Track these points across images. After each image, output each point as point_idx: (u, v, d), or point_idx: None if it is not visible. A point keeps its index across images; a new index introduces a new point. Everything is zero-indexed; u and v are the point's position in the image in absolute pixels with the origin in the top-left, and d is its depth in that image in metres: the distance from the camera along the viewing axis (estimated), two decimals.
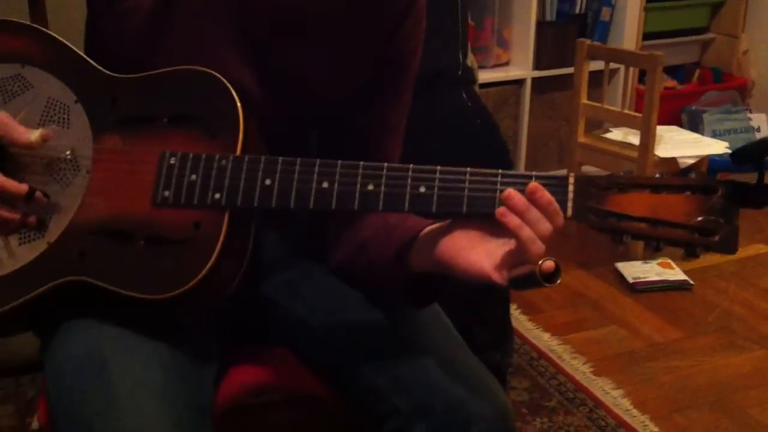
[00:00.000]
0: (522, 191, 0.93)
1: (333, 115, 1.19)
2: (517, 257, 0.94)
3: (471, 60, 2.22)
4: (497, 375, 2.17)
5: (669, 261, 2.89)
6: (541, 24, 3.32)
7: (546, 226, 0.92)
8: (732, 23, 3.85)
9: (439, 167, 0.97)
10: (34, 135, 1.04)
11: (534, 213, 0.92)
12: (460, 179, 0.97)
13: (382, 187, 0.98)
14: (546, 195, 0.92)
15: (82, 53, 1.10)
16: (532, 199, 0.92)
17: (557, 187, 0.94)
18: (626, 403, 2.19)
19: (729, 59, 3.88)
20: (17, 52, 1.11)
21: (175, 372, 1.03)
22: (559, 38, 3.37)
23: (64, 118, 1.08)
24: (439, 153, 2.07)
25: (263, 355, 1.22)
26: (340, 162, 0.99)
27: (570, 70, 3.14)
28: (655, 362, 2.39)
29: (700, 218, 0.90)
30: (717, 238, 0.90)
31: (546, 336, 2.50)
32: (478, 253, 0.96)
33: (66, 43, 1.11)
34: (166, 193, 1.02)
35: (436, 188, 0.97)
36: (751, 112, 3.62)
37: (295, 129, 1.19)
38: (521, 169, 3.44)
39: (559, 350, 2.43)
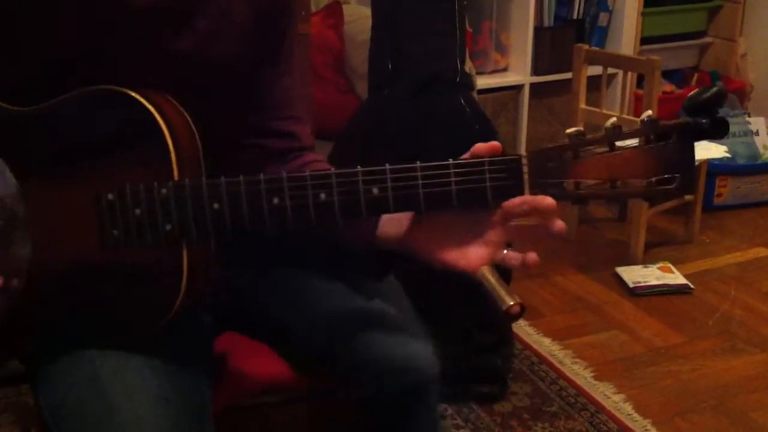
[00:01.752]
0: (480, 179, 0.92)
1: (222, 66, 1.12)
2: (489, 250, 0.97)
3: (469, 66, 2.22)
4: (497, 379, 2.18)
5: (669, 265, 2.88)
6: (538, 29, 3.33)
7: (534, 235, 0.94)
8: (729, 27, 3.85)
9: (388, 165, 0.94)
10: None
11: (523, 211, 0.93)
12: (412, 176, 0.93)
13: (335, 196, 0.93)
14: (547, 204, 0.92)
15: None
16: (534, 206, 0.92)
17: (512, 171, 0.92)
18: (628, 407, 2.18)
19: (727, 63, 3.88)
20: None
21: (169, 376, 1.03)
22: (557, 43, 3.37)
23: None
24: (437, 158, 2.08)
25: (260, 355, 1.23)
26: (286, 176, 0.94)
27: (568, 75, 3.14)
28: (656, 366, 2.38)
29: (656, 168, 0.90)
30: (675, 183, 0.90)
31: (546, 341, 2.50)
32: (448, 246, 0.98)
33: None
34: (115, 233, 0.96)
35: (389, 188, 0.93)
36: (749, 116, 3.62)
37: (182, 86, 1.08)
38: None
39: (560, 355, 2.42)
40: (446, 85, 2.11)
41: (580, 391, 2.25)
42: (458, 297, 2.06)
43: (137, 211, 0.95)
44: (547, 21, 3.37)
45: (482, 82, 3.08)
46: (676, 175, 0.90)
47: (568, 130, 0.93)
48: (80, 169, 0.98)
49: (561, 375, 2.33)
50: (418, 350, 1.17)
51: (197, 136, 1.00)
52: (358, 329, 1.16)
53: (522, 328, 2.55)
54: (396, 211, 0.95)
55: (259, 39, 1.13)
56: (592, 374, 2.33)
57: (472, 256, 0.97)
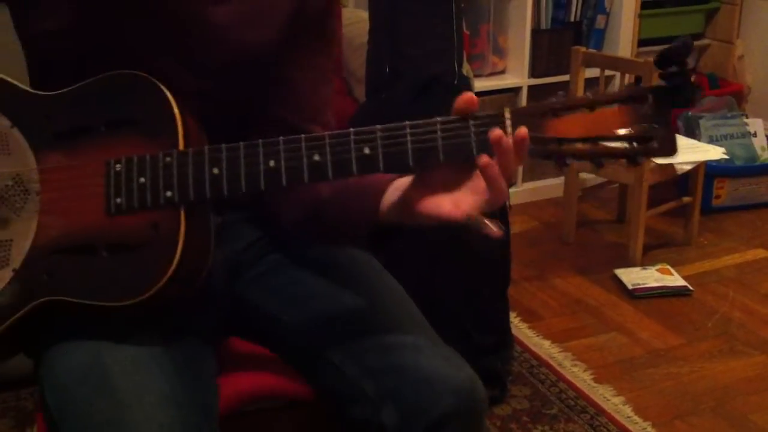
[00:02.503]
0: (465, 134, 0.96)
1: (253, 62, 1.18)
2: (476, 198, 0.98)
3: (467, 69, 2.22)
4: (497, 382, 2.18)
5: (668, 267, 2.89)
6: (536, 32, 3.33)
7: (512, 164, 0.96)
8: (726, 29, 3.86)
9: (378, 126, 0.98)
10: None
11: (511, 156, 0.95)
12: (401, 134, 0.98)
13: (328, 156, 0.99)
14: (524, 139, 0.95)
15: (6, 76, 1.09)
16: (517, 143, 0.95)
17: (495, 124, 0.96)
18: (627, 409, 2.18)
19: (724, 65, 3.89)
20: None
21: (177, 375, 1.03)
22: (554, 46, 3.37)
23: (3, 145, 1.07)
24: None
25: (257, 360, 1.23)
26: (281, 138, 1.00)
27: (566, 77, 3.15)
28: (655, 369, 2.38)
29: (635, 127, 0.94)
30: (655, 144, 0.94)
31: (546, 343, 2.50)
32: (438, 200, 1.00)
33: None
34: (119, 200, 1.03)
35: (379, 147, 0.98)
36: (747, 117, 3.63)
37: (217, 81, 1.17)
38: (519, 176, 3.45)
39: (560, 357, 2.42)
40: (444, 87, 2.11)
41: (580, 394, 2.25)
42: (457, 299, 2.06)
43: (141, 180, 1.02)
44: (545, 23, 3.37)
45: (480, 84, 3.08)
46: (655, 127, 0.94)
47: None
48: (93, 142, 1.05)
49: (561, 377, 2.33)
50: (465, 371, 1.13)
51: (203, 129, 1.07)
52: (391, 354, 1.13)
53: (521, 330, 2.55)
54: (386, 169, 0.99)
55: (294, 32, 1.19)
56: (591, 377, 2.33)
57: (462, 204, 0.99)
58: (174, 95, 1.04)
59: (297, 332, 1.18)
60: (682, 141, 3.17)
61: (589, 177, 3.30)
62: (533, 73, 3.36)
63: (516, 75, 3.36)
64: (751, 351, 2.48)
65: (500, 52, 3.38)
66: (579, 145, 0.95)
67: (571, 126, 0.95)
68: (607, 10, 3.48)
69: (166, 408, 0.99)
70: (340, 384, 1.13)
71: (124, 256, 1.02)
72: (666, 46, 0.95)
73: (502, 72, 3.41)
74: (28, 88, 1.09)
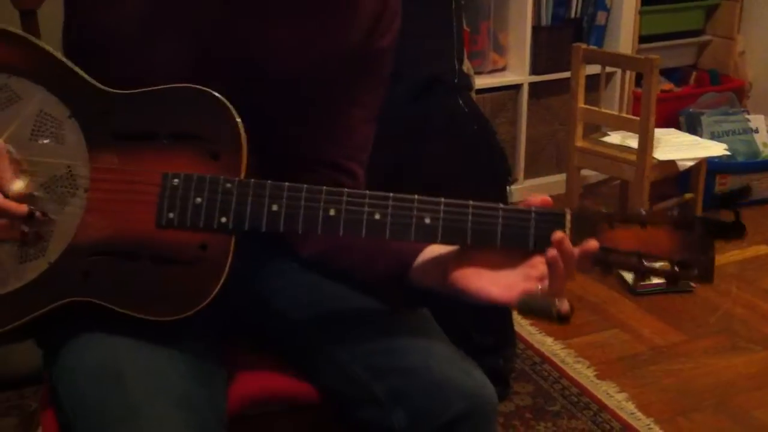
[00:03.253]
0: (526, 226, 1.01)
1: (303, 95, 1.17)
2: (528, 285, 1.01)
3: (467, 66, 2.22)
4: (500, 380, 2.18)
5: None
6: (536, 29, 3.33)
7: (571, 269, 1.01)
8: (727, 25, 3.85)
9: (443, 199, 1.01)
10: (17, 185, 1.02)
11: (573, 258, 1.00)
12: (463, 211, 1.01)
13: (389, 218, 1.00)
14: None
15: (73, 65, 1.07)
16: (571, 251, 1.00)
17: (556, 223, 1.01)
18: (630, 406, 2.18)
19: (725, 61, 3.88)
20: (2, 62, 1.07)
21: (192, 378, 1.03)
22: (555, 43, 3.37)
23: (57, 134, 1.05)
24: (437, 159, 2.08)
25: (264, 363, 1.22)
26: (346, 190, 1.01)
27: (566, 74, 3.14)
28: (657, 365, 2.38)
29: (681, 253, 1.01)
30: (696, 271, 1.02)
31: (549, 340, 2.49)
32: (484, 279, 1.03)
33: (56, 54, 1.08)
34: (171, 215, 1.02)
35: (440, 219, 1.01)
36: (749, 113, 3.62)
37: (265, 107, 1.15)
38: (521, 173, 3.45)
39: (562, 354, 2.42)
40: (445, 86, 2.11)
41: (583, 390, 2.25)
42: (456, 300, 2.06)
43: (198, 200, 1.02)
44: (545, 20, 3.37)
45: (480, 82, 3.08)
46: (699, 258, 1.01)
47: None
48: (152, 150, 1.04)
49: (563, 374, 2.33)
50: (476, 375, 1.13)
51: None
52: (401, 353, 1.13)
53: (524, 327, 2.55)
54: (443, 240, 1.02)
55: (355, 67, 1.18)
56: (594, 373, 2.33)
57: (510, 287, 1.02)
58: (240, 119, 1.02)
59: (305, 331, 1.18)
60: (683, 137, 3.17)
61: (590, 174, 3.30)
62: (534, 71, 3.36)
63: (516, 72, 3.36)
64: (753, 347, 2.48)
65: (501, 49, 3.37)
66: (625, 258, 1.01)
67: (621, 238, 1.01)
68: (608, 6, 3.48)
69: (179, 410, 0.99)
70: (347, 385, 1.13)
71: (167, 270, 1.01)
72: (731, 189, 1.04)
73: (503, 69, 3.40)
74: (89, 79, 1.06)
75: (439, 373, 1.09)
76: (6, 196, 1.02)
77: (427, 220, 1.00)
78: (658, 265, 1.01)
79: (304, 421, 1.23)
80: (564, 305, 1.03)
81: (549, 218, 1.01)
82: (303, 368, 1.20)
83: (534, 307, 1.05)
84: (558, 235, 1.00)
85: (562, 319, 1.05)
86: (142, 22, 1.09)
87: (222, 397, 1.10)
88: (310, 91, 1.17)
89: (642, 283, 2.76)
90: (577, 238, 1.00)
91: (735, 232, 1.02)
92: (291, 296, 1.21)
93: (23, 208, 1.01)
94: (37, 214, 1.03)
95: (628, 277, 2.80)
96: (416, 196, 1.01)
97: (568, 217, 1.01)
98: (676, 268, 1.01)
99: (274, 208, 1.01)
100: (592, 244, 1.00)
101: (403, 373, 1.10)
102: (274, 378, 1.21)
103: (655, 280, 2.75)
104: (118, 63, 1.09)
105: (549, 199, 1.03)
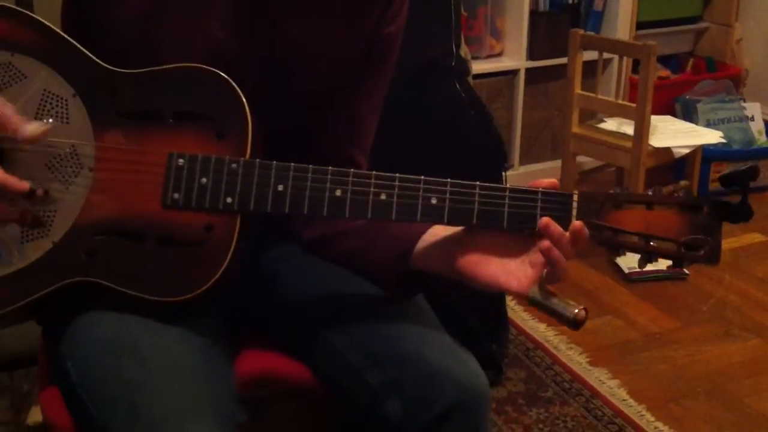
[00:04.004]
0: (532, 207, 1.00)
1: (322, 91, 1.18)
2: (536, 273, 1.01)
3: (464, 51, 2.21)
4: (493, 365, 2.18)
5: None
6: (534, 14, 3.31)
7: (569, 250, 1.00)
8: (725, 12, 3.84)
9: (450, 180, 1.00)
10: (32, 127, 0.99)
11: (565, 240, 0.99)
12: (470, 192, 1.00)
13: (395, 198, 1.00)
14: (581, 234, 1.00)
15: (77, 44, 1.06)
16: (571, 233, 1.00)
17: (562, 204, 1.00)
18: (622, 393, 2.19)
19: (723, 48, 3.87)
20: (5, 39, 1.05)
21: (204, 353, 1.04)
22: (552, 28, 3.35)
23: (62, 113, 1.04)
24: (434, 144, 2.07)
25: (264, 347, 1.22)
26: (352, 171, 1.00)
27: (563, 60, 3.13)
28: (650, 352, 2.39)
29: (688, 235, 1.01)
30: (702, 252, 1.01)
31: (542, 326, 2.50)
32: (493, 267, 1.02)
33: (59, 32, 1.07)
34: (176, 196, 1.01)
35: (447, 200, 1.00)
36: (745, 101, 3.62)
37: (282, 105, 1.17)
38: (516, 159, 3.44)
39: (555, 341, 2.43)
40: (442, 70, 2.10)
41: (575, 377, 2.26)
42: (452, 284, 2.06)
43: (203, 180, 1.01)
44: (543, 6, 3.35)
45: (477, 67, 3.06)
46: (707, 239, 1.00)
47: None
48: (157, 129, 1.03)
49: (556, 360, 2.33)
50: (470, 365, 1.13)
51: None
52: (397, 340, 1.13)
53: (517, 313, 2.55)
54: (449, 222, 1.01)
55: (365, 58, 1.19)
56: (587, 360, 2.34)
57: (521, 276, 1.02)
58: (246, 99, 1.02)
59: (304, 315, 1.18)
60: (679, 124, 3.17)
61: (586, 160, 3.29)
62: (531, 56, 3.34)
63: (513, 58, 3.35)
64: (746, 335, 2.48)
65: (498, 34, 3.36)
66: (632, 239, 1.02)
67: (628, 220, 1.01)
68: None
69: (196, 382, 0.99)
70: (343, 371, 1.13)
71: (171, 251, 1.01)
72: (735, 169, 1.02)
73: (500, 55, 3.39)
74: (93, 57, 1.05)
75: (435, 363, 1.09)
76: (28, 139, 0.99)
77: (434, 201, 1.00)
78: (664, 246, 1.01)
79: (301, 406, 1.23)
80: (581, 312, 1.03)
81: (556, 199, 1.00)
82: (301, 352, 1.20)
83: (549, 307, 1.04)
84: (543, 220, 0.99)
85: (578, 324, 1.04)
86: (148, 16, 1.08)
87: (232, 373, 1.10)
88: (327, 82, 1.17)
89: (643, 267, 2.76)
90: (584, 218, 1.00)
91: (742, 214, 1.01)
92: (292, 280, 1.21)
93: (24, 184, 1.00)
94: (39, 191, 1.02)
95: (623, 264, 2.80)
96: (422, 177, 1.00)
97: (575, 198, 1.00)
98: (683, 250, 1.01)
99: (280, 188, 1.00)
100: (577, 225, 0.99)
101: (398, 361, 1.10)
102: (273, 361, 1.21)
103: (650, 266, 2.76)
104: (124, 50, 1.08)
105: (556, 182, 1.03)
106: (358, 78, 1.20)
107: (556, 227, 0.99)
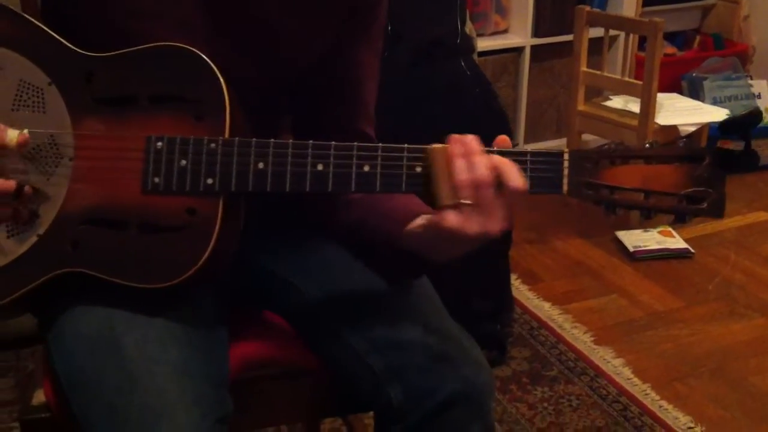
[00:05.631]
0: (521, 169, 0.95)
1: (308, 64, 1.16)
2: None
3: (469, 28, 2.19)
4: (497, 344, 2.19)
5: (669, 229, 2.88)
6: None
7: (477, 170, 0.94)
8: None
9: (433, 145, 0.97)
10: (12, 136, 0.98)
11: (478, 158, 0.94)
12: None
13: (378, 168, 0.97)
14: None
15: (50, 30, 1.03)
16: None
17: (552, 164, 0.96)
18: (627, 371, 2.19)
19: (729, 25, 3.84)
20: None
21: (190, 346, 1.02)
22: (558, 5, 3.33)
23: (38, 102, 1.02)
24: (439, 122, 2.06)
25: (264, 327, 1.22)
26: (333, 144, 0.98)
27: (569, 37, 3.11)
28: (655, 331, 2.39)
29: (689, 187, 0.95)
30: (705, 205, 0.95)
31: (546, 305, 2.50)
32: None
33: (32, 20, 1.04)
34: (156, 180, 0.99)
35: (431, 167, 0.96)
36: (751, 79, 3.59)
37: (269, 80, 1.15)
38: (521, 137, 3.42)
39: (560, 320, 2.42)
40: (447, 48, 2.09)
41: (580, 356, 2.26)
42: (457, 262, 2.05)
43: (182, 162, 0.99)
44: None
45: (482, 44, 3.05)
46: (708, 191, 0.95)
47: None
48: (135, 114, 1.01)
49: (561, 339, 2.33)
50: (474, 352, 1.12)
51: (246, 117, 1.04)
52: (400, 329, 1.11)
53: (522, 292, 2.55)
54: (424, 191, 0.97)
55: (348, 29, 1.16)
56: (591, 339, 2.33)
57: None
58: (224, 77, 1.00)
59: (307, 298, 1.17)
60: (685, 102, 3.15)
61: (591, 138, 3.28)
62: (536, 33, 3.32)
63: (519, 35, 3.33)
64: (751, 314, 2.48)
65: (503, 11, 3.34)
66: (631, 196, 0.96)
67: (625, 176, 0.96)
68: None
69: (177, 379, 0.98)
70: (345, 356, 1.12)
71: (155, 237, 0.99)
72: (736, 115, 0.96)
73: (505, 31, 3.37)
74: (67, 44, 1.03)
75: (437, 351, 1.09)
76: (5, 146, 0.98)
77: (418, 169, 0.97)
78: (664, 201, 0.96)
79: (302, 388, 1.23)
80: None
81: (545, 159, 0.96)
82: (303, 334, 1.20)
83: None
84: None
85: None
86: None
87: (223, 360, 1.09)
88: (305, 57, 1.15)
89: (641, 249, 2.76)
90: (576, 177, 0.96)
91: (747, 160, 0.97)
92: (294, 265, 1.20)
93: (11, 183, 0.99)
94: (26, 188, 1.00)
95: (627, 242, 2.80)
96: (406, 145, 0.98)
97: (566, 156, 0.96)
98: (684, 203, 0.96)
99: (261, 165, 0.98)
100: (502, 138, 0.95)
101: (401, 348, 1.09)
102: (273, 341, 1.20)
103: (655, 246, 2.75)
104: (99, 35, 1.05)
105: (506, 138, 0.98)
106: (347, 52, 1.18)
107: (468, 140, 0.95)
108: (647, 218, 0.99)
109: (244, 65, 1.08)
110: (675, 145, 0.97)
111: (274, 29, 1.11)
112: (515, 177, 0.94)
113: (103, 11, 1.06)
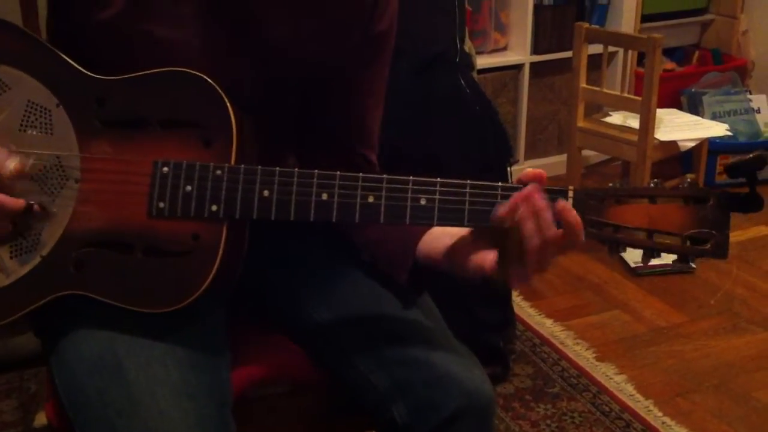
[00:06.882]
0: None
1: (313, 82, 1.17)
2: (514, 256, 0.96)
3: (468, 46, 2.20)
4: (500, 361, 2.18)
5: None
6: (538, 7, 3.30)
7: (547, 233, 0.94)
8: (731, 4, 3.82)
9: (439, 179, 0.98)
10: (11, 164, 0.99)
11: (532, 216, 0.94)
12: (460, 191, 0.97)
13: (383, 200, 0.98)
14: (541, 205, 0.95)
15: (60, 52, 1.04)
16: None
17: (556, 200, 0.96)
18: (630, 388, 2.18)
19: (728, 40, 3.85)
20: None
21: (192, 367, 1.03)
22: (557, 22, 3.34)
23: (46, 124, 1.03)
24: (438, 139, 2.07)
25: (267, 345, 1.22)
26: (339, 174, 0.98)
27: (568, 53, 3.12)
28: (657, 346, 2.38)
29: (693, 228, 0.96)
30: (708, 246, 0.96)
31: (548, 322, 2.49)
32: (473, 255, 1.01)
33: (42, 41, 1.05)
34: (161, 204, 1.00)
35: (437, 201, 0.97)
36: (751, 93, 3.60)
37: (277, 96, 1.16)
38: (521, 154, 3.43)
39: (562, 336, 2.42)
40: (446, 65, 2.09)
41: (582, 372, 2.25)
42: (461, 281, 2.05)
43: (188, 188, 1.00)
44: None
45: (482, 61, 3.06)
46: (712, 233, 0.95)
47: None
48: (143, 138, 1.01)
49: (563, 356, 2.33)
50: (476, 371, 1.12)
51: (256, 140, 1.04)
52: (404, 344, 1.12)
53: (523, 309, 2.54)
54: (439, 223, 0.99)
55: (360, 55, 1.17)
56: (593, 355, 2.33)
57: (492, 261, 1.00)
58: (232, 104, 1.00)
59: (312, 314, 1.18)
60: (685, 117, 3.15)
61: (591, 154, 3.29)
62: (536, 50, 3.34)
63: (518, 52, 3.34)
64: (754, 328, 2.47)
65: (502, 28, 3.35)
66: (636, 235, 0.97)
67: (630, 215, 0.97)
68: None
69: (179, 401, 0.98)
70: (351, 373, 1.13)
71: (159, 261, 1.00)
72: (741, 158, 0.96)
73: (504, 49, 3.38)
74: (77, 66, 1.03)
75: (441, 368, 1.09)
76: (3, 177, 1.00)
77: (423, 201, 0.98)
78: (668, 241, 0.96)
79: (306, 404, 1.23)
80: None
81: (550, 195, 0.96)
82: (307, 351, 1.20)
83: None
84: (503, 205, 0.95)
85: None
86: (128, 19, 1.06)
87: (225, 380, 1.09)
88: (314, 82, 1.16)
89: (646, 264, 2.75)
90: (582, 216, 0.96)
91: (751, 203, 0.96)
92: (299, 281, 1.21)
93: (20, 202, 1.00)
94: (35, 207, 1.01)
95: (629, 258, 2.79)
96: (411, 177, 0.98)
97: (570, 194, 0.97)
98: (688, 244, 0.96)
99: (266, 193, 0.99)
100: (573, 215, 0.94)
101: (404, 365, 1.10)
102: (276, 359, 1.21)
103: (656, 261, 2.75)
104: (107, 57, 1.06)
105: (542, 172, 0.98)
106: (354, 77, 1.19)
107: (541, 196, 0.94)
108: (652, 257, 0.99)
109: (246, 88, 1.09)
110: (680, 186, 0.97)
111: (282, 49, 1.11)
112: (580, 239, 0.96)
113: (112, 49, 1.06)
